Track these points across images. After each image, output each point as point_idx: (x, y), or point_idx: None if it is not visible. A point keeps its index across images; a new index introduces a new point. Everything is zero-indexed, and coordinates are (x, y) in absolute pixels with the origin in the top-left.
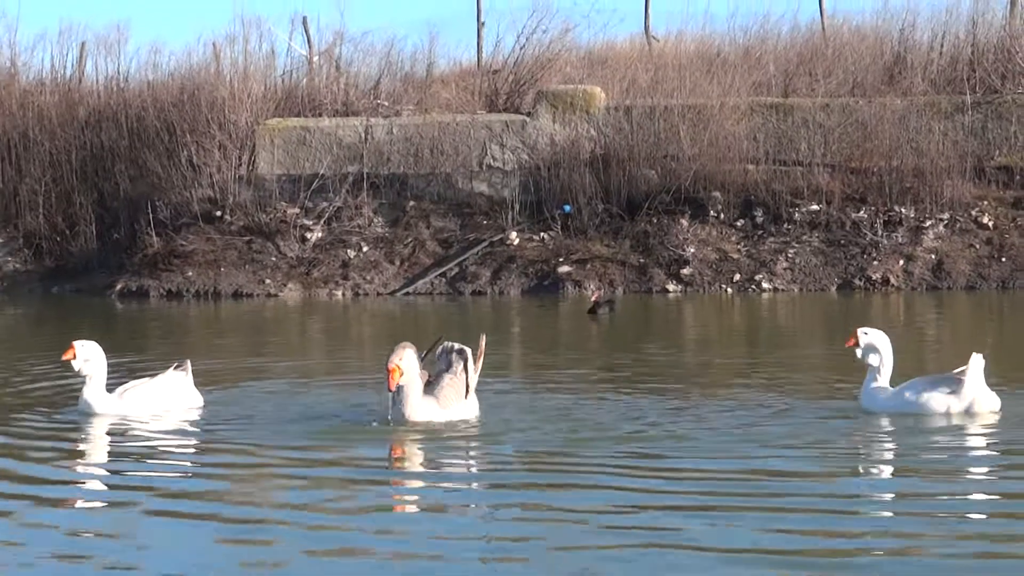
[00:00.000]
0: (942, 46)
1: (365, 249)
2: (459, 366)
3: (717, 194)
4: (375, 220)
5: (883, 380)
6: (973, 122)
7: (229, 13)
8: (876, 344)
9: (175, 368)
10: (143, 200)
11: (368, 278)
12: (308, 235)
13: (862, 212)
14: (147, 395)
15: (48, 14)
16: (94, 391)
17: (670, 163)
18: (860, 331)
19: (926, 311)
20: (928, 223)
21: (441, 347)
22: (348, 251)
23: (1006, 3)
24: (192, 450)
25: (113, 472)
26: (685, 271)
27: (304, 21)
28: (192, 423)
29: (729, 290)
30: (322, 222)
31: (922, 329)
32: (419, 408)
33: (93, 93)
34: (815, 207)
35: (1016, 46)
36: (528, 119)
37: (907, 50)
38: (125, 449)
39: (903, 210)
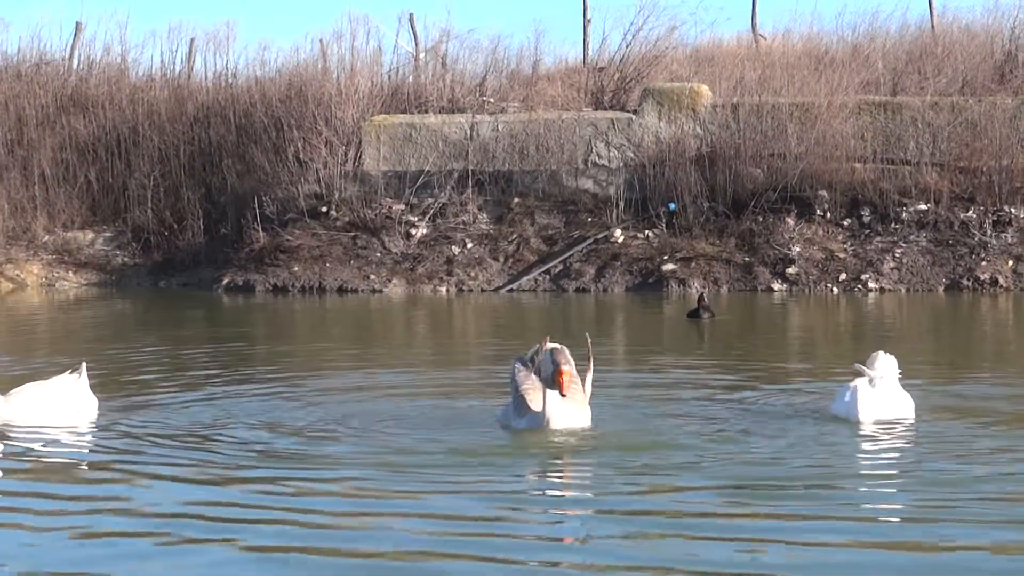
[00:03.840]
0: None
1: (470, 246)
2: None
3: (824, 193)
4: (480, 217)
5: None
6: None
7: (336, 11)
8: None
9: (70, 372)
10: (250, 195)
11: (472, 274)
12: (413, 231)
13: (971, 212)
14: (34, 399)
15: (157, 13)
16: None
17: (776, 161)
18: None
19: None
20: None
21: (539, 349)
22: (453, 247)
23: None
24: (68, 457)
25: None
26: (791, 270)
27: (411, 18)
28: (82, 429)
29: (835, 290)
30: (427, 218)
31: None
32: (562, 414)
33: (202, 89)
34: (923, 207)
35: None
36: (634, 116)
37: (1018, 48)
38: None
39: (1013, 210)
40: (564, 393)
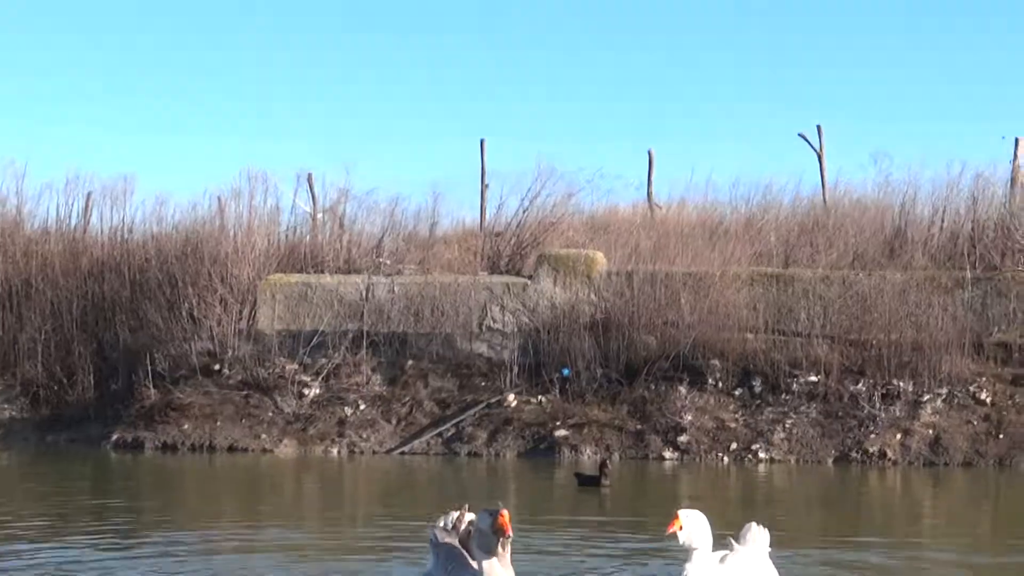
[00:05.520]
0: (943, 221)
1: (362, 407)
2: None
3: (716, 362)
4: (373, 378)
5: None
6: (972, 298)
7: (235, 167)
8: (697, 526)
9: None
10: (142, 351)
11: (364, 436)
12: (306, 391)
13: (860, 384)
14: None
15: (55, 164)
16: None
17: (670, 330)
18: (682, 513)
19: (922, 487)
20: (926, 398)
21: (459, 517)
22: (345, 408)
23: (1006, 181)
24: None
25: None
26: (682, 438)
27: (309, 178)
28: None
29: (726, 459)
30: (320, 378)
31: (918, 505)
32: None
33: (97, 243)
34: (813, 378)
35: (1015, 223)
36: (529, 282)
37: (908, 224)
38: None
39: (901, 384)
40: (509, 534)
